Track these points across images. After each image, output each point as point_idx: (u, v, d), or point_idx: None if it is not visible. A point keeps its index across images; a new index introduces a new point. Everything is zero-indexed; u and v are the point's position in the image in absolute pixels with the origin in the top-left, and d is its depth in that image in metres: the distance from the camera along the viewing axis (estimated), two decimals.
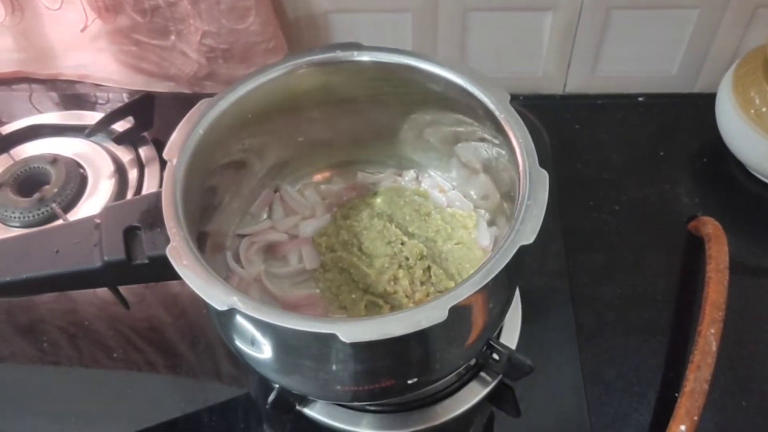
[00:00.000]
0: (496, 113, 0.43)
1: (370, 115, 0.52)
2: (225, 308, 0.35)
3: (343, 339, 0.33)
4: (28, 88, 0.80)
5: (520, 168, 0.40)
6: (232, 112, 0.45)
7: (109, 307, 0.59)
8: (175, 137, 0.42)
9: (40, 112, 0.75)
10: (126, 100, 0.76)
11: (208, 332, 0.58)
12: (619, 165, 0.71)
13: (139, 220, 0.42)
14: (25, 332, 0.59)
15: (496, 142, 0.46)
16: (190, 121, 0.43)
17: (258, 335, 0.40)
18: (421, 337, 0.38)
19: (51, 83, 0.81)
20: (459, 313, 0.35)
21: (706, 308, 0.53)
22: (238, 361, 0.55)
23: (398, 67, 0.47)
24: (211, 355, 0.57)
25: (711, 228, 0.59)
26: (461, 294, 0.35)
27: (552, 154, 0.70)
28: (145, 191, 0.66)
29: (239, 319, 0.40)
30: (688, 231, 0.63)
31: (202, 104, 0.44)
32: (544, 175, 0.39)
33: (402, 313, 0.34)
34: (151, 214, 0.41)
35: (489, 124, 0.45)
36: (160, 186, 0.65)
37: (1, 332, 0.59)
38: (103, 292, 0.58)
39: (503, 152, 0.45)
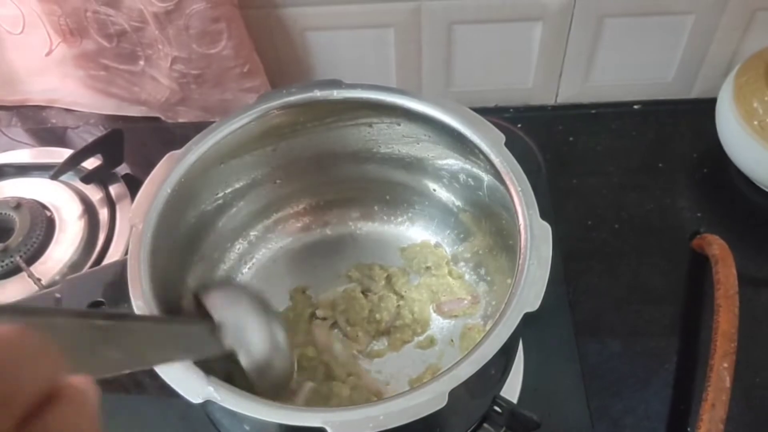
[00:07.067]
0: (492, 157, 0.39)
1: (352, 156, 0.48)
2: (200, 401, 0.31)
3: None
4: None
5: (520, 221, 0.37)
6: (202, 163, 0.42)
7: None
8: (139, 198, 0.39)
9: (3, 150, 0.70)
10: (97, 127, 0.72)
11: None
12: (617, 179, 0.67)
13: (102, 294, 0.38)
14: None
15: (490, 183, 0.42)
16: (155, 180, 0.40)
17: (239, 427, 0.36)
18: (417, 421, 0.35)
19: (17, 110, 0.76)
20: (459, 392, 0.32)
21: (717, 340, 0.50)
22: None
23: (381, 104, 0.43)
24: None
25: (717, 248, 0.56)
26: (462, 375, 0.32)
27: (545, 169, 0.67)
28: (117, 231, 0.61)
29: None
30: (692, 248, 0.60)
31: (168, 158, 0.41)
32: (546, 229, 0.36)
33: (397, 399, 0.31)
34: (116, 286, 0.38)
35: (483, 165, 0.41)
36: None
37: None
38: None
39: (498, 194, 0.42)
